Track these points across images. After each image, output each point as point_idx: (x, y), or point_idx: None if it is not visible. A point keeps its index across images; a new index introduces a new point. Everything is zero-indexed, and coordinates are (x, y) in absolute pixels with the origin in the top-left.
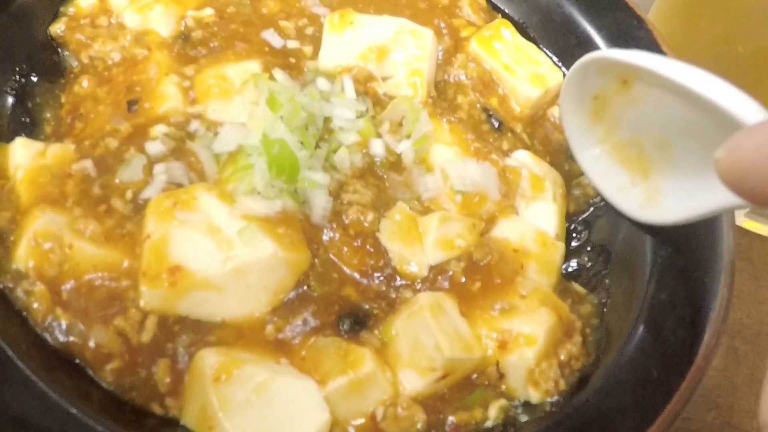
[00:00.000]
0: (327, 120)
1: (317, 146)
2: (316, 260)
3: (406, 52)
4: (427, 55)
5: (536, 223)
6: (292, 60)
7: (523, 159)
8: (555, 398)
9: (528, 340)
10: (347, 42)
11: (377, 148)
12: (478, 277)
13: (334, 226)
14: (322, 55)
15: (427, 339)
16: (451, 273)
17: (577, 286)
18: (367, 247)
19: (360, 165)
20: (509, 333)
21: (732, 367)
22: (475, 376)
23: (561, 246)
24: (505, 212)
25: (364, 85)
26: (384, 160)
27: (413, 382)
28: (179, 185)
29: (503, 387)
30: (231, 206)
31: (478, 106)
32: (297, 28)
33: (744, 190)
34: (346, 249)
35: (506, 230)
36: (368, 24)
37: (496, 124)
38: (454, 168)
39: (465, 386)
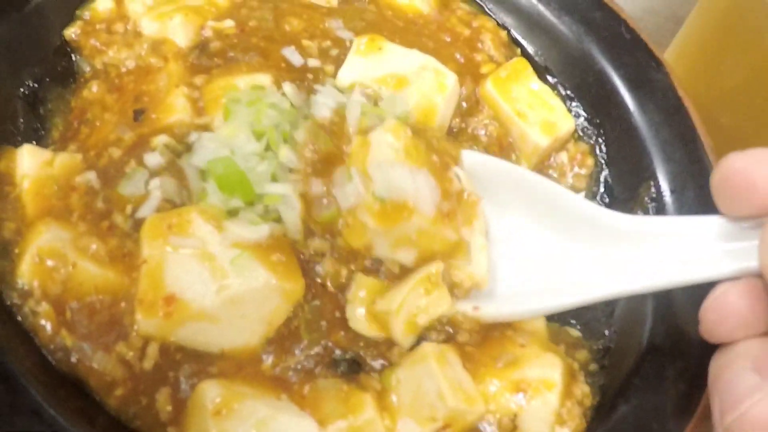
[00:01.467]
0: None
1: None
2: (306, 306)
3: (425, 88)
4: (445, 97)
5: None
6: (310, 76)
7: None
8: None
9: (546, 385)
10: (370, 65)
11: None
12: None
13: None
14: (341, 72)
15: (430, 387)
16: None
17: (571, 330)
18: None
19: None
20: (525, 382)
21: None
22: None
23: None
24: (456, 251)
25: (373, 103)
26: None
27: (413, 431)
28: (172, 202)
29: None
30: (224, 232)
31: None
32: (320, 49)
33: None
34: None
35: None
36: (395, 53)
37: None
38: (381, 171)
39: None
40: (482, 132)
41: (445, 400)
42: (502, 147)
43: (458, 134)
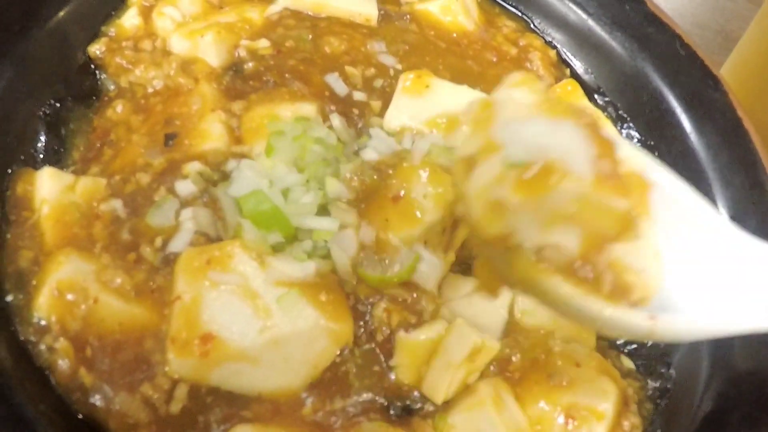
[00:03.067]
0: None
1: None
2: (356, 350)
3: None
4: None
5: None
6: (356, 111)
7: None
8: None
9: (597, 415)
10: (418, 105)
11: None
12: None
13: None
14: (389, 113)
15: None
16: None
17: (625, 360)
18: None
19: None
20: (576, 408)
21: None
22: None
23: None
24: (627, 229)
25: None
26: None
27: None
28: (207, 235)
29: None
30: (268, 269)
31: None
32: (364, 78)
33: None
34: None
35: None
36: (444, 90)
37: None
38: (510, 131)
39: None
40: None
41: None
42: None
43: None
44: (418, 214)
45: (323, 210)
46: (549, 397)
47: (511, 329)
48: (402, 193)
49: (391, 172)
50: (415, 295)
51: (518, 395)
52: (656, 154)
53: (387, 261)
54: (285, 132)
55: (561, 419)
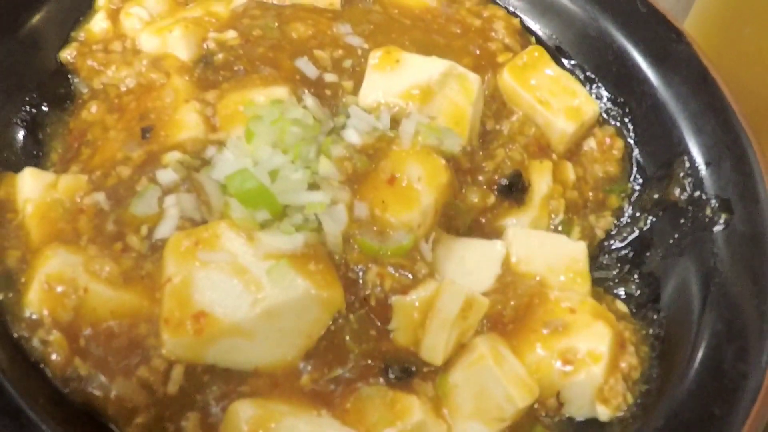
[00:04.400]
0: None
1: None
2: (351, 316)
3: (451, 95)
4: (472, 100)
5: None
6: (328, 92)
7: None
8: (623, 412)
9: (593, 358)
10: (390, 80)
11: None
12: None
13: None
14: (363, 91)
15: (495, 390)
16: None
17: (620, 304)
18: None
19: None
20: (572, 352)
21: None
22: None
23: (580, 246)
24: None
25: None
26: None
27: None
28: (192, 220)
29: (565, 414)
30: (256, 244)
31: (508, 162)
32: (333, 60)
33: None
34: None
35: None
36: (414, 63)
37: (513, 192)
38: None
39: (525, 423)
40: (519, 133)
41: (514, 401)
42: (541, 147)
43: (494, 138)
44: (415, 197)
45: (313, 188)
46: (545, 344)
47: (505, 282)
48: (397, 176)
49: (380, 156)
50: (412, 262)
51: (514, 347)
52: (627, 110)
53: (385, 235)
54: (262, 117)
55: (558, 364)
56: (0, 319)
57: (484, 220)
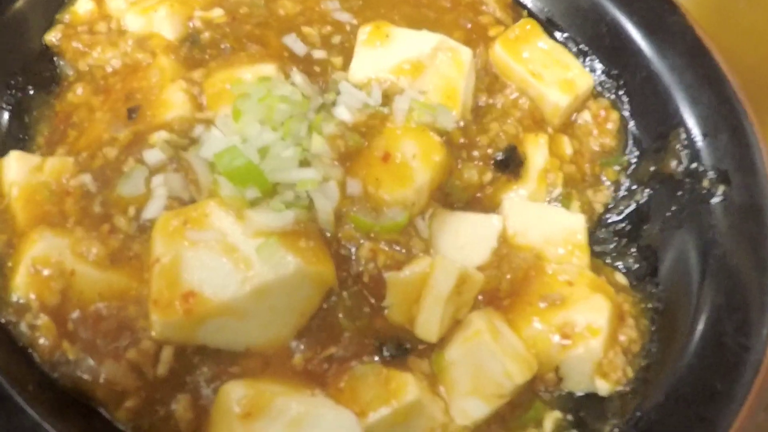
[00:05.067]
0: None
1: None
2: (345, 293)
3: (442, 69)
4: (464, 74)
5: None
6: (317, 69)
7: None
8: (623, 387)
9: (591, 331)
10: (380, 55)
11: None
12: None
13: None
14: (353, 67)
15: (493, 365)
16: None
17: (620, 276)
18: None
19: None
20: (570, 326)
21: None
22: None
23: (578, 218)
24: None
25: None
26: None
27: (478, 409)
28: (180, 199)
29: (564, 389)
30: (246, 222)
31: (502, 136)
32: (322, 36)
33: None
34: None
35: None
36: (404, 38)
37: (509, 166)
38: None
39: (524, 398)
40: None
41: (512, 377)
42: (536, 120)
43: (487, 112)
44: (410, 174)
45: (304, 165)
46: (543, 317)
47: (501, 255)
48: (391, 153)
49: (374, 133)
50: (407, 238)
51: (511, 321)
52: (621, 82)
53: (379, 212)
54: (250, 94)
55: (556, 338)
56: None
57: (481, 196)
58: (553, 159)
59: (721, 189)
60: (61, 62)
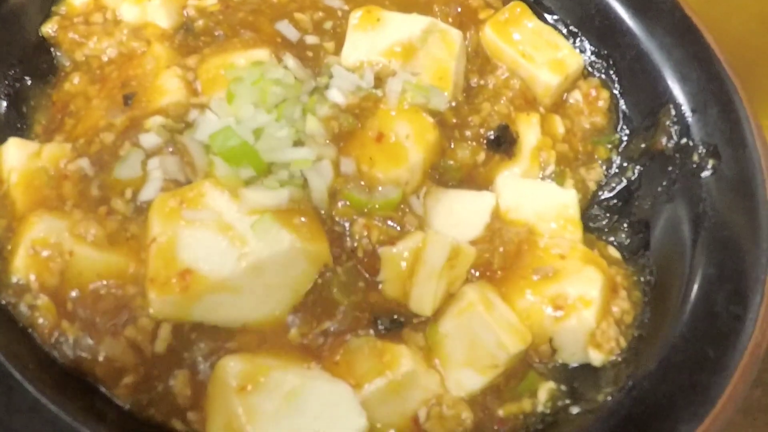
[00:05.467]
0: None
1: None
2: (339, 268)
3: (433, 51)
4: (455, 55)
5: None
6: (310, 54)
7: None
8: (616, 357)
9: (584, 302)
10: (372, 39)
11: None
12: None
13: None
14: (345, 51)
15: (487, 337)
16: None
17: (612, 250)
18: None
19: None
20: (563, 297)
21: None
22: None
23: (570, 193)
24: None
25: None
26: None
27: (472, 380)
28: (176, 181)
29: (558, 360)
30: (241, 201)
31: (494, 115)
32: (314, 22)
33: None
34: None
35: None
36: (395, 21)
37: (502, 145)
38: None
39: (518, 369)
40: (504, 87)
41: (506, 348)
42: (527, 100)
43: (478, 92)
44: (403, 154)
45: (299, 146)
46: (535, 290)
47: (493, 229)
48: (385, 134)
49: (367, 115)
50: (401, 215)
51: (504, 294)
52: (611, 62)
53: (373, 190)
54: (243, 78)
55: (549, 310)
56: None
57: (475, 174)
58: (546, 138)
59: (711, 163)
60: (58, 53)
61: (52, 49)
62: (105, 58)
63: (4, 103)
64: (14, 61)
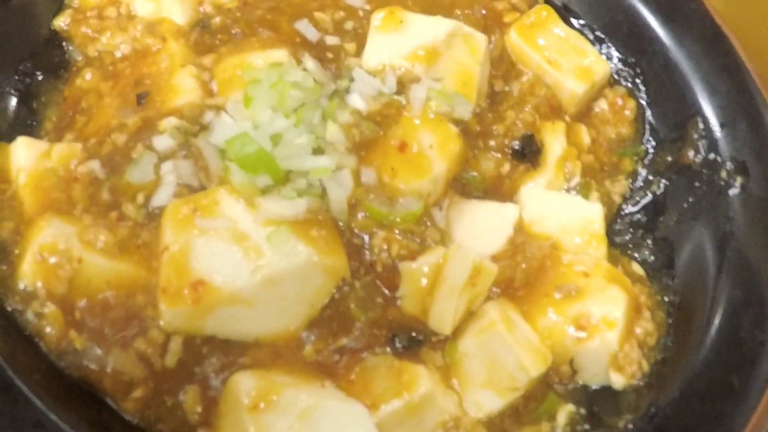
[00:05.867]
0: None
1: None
2: (357, 282)
3: (457, 56)
4: (479, 60)
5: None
6: (330, 55)
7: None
8: (638, 381)
9: (607, 323)
10: (394, 41)
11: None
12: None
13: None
14: (366, 53)
15: (507, 358)
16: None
17: (636, 266)
18: None
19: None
20: (586, 317)
21: None
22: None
23: (596, 207)
24: None
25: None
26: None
27: (492, 402)
28: (189, 186)
29: (579, 381)
30: (257, 210)
31: (519, 124)
32: (335, 22)
33: None
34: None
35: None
36: (419, 24)
37: (527, 155)
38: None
39: (538, 391)
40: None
41: (527, 370)
42: (553, 108)
43: (503, 99)
44: (426, 165)
45: (318, 153)
46: (558, 309)
47: (516, 243)
48: (408, 143)
49: (389, 122)
50: (423, 228)
51: (525, 312)
52: (638, 70)
53: (394, 202)
54: (261, 80)
55: (572, 330)
56: None
57: (500, 185)
58: (571, 148)
59: (739, 180)
60: (70, 48)
61: (64, 44)
62: (118, 54)
63: (15, 99)
64: (25, 55)
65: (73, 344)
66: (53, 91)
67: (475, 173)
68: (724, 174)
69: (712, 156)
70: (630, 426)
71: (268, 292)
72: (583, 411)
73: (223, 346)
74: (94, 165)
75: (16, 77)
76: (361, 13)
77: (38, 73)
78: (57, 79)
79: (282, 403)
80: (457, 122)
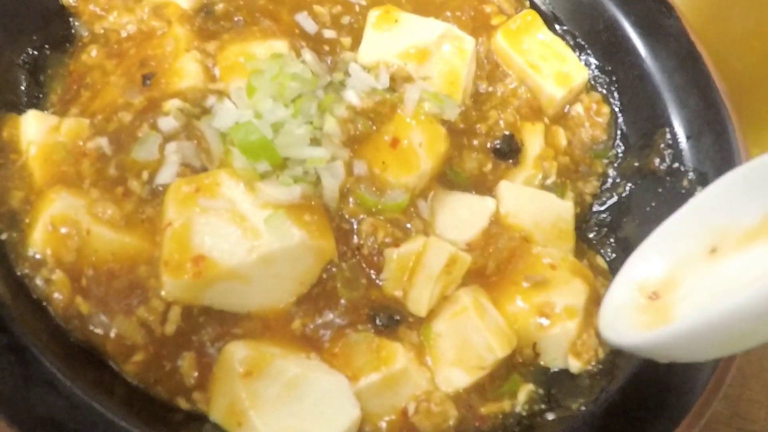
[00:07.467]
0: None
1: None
2: (344, 264)
3: (446, 56)
4: (466, 62)
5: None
6: (326, 48)
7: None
8: (593, 367)
9: (569, 313)
10: (389, 39)
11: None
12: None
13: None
14: (362, 50)
15: (477, 340)
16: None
17: (600, 260)
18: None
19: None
20: (550, 306)
21: (741, 357)
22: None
23: (568, 205)
24: None
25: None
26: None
27: (460, 379)
28: (191, 167)
29: (541, 362)
30: (255, 193)
31: (501, 123)
32: (332, 16)
33: None
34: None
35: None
36: (413, 24)
37: (507, 153)
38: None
39: (503, 371)
40: (512, 96)
41: (494, 351)
42: (533, 109)
43: (486, 99)
44: (415, 161)
45: (315, 143)
46: (525, 297)
47: (490, 233)
48: (400, 139)
49: (383, 119)
50: (408, 217)
51: (495, 299)
52: (614, 79)
53: (382, 193)
54: (263, 71)
55: (536, 317)
56: (4, 258)
57: (483, 180)
58: (548, 148)
59: (699, 190)
60: (77, 23)
61: (71, 19)
62: (124, 34)
63: (24, 72)
64: (34, 29)
65: (79, 310)
66: (59, 65)
67: (459, 170)
68: (686, 183)
69: (676, 165)
70: (582, 408)
71: (262, 269)
72: (541, 391)
73: (218, 316)
74: (102, 142)
75: (26, 50)
76: (357, 8)
77: (46, 46)
78: (63, 53)
79: (271, 371)
80: (445, 123)
